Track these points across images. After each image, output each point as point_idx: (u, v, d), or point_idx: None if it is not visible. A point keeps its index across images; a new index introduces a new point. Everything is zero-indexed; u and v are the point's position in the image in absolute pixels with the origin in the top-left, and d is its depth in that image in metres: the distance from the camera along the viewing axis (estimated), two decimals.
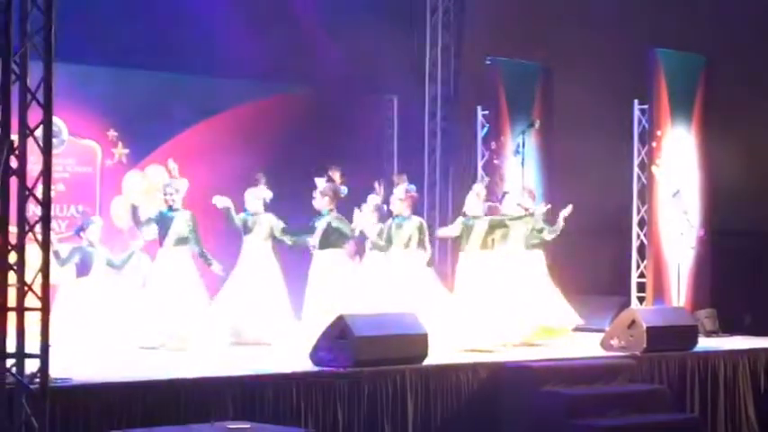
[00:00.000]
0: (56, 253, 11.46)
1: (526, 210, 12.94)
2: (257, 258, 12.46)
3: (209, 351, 11.51)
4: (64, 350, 10.02)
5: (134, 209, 12.25)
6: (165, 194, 12.17)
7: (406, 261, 12.40)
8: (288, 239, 12.48)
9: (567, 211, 13.25)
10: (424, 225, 12.73)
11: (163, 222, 12.08)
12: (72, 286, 11.87)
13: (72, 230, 12.63)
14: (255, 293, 12.31)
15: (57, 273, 11.04)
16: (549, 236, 13.28)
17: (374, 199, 12.74)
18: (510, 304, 12.32)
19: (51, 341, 7.72)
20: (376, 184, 12.80)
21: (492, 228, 12.42)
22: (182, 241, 12.07)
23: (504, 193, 13.32)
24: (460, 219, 12.44)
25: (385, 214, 12.70)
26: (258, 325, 12.27)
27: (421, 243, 12.52)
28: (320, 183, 12.30)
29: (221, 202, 12.30)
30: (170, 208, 12.13)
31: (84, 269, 11.94)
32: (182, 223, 12.06)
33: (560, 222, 13.30)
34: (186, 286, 11.96)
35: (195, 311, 11.88)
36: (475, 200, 12.39)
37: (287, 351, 11.45)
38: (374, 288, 12.26)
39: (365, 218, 12.39)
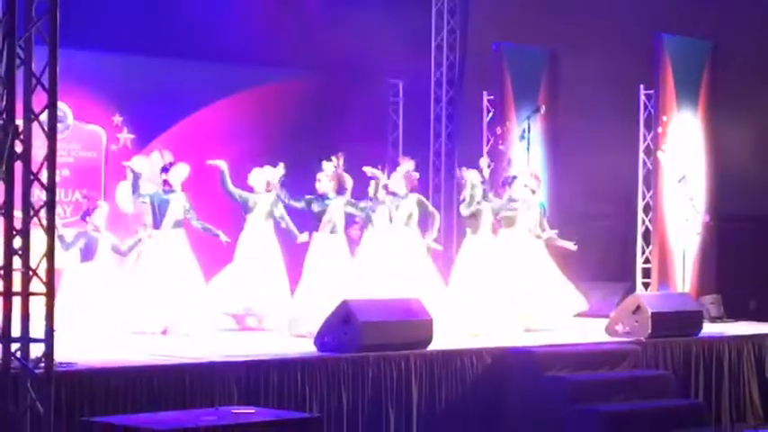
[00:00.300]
0: (61, 237, 11.46)
1: (533, 192, 13.01)
2: (258, 237, 12.44)
3: (211, 335, 11.52)
4: (68, 335, 10.02)
5: (135, 177, 12.14)
6: (165, 174, 12.13)
7: (405, 241, 12.41)
8: (282, 223, 12.49)
9: (569, 246, 13.21)
10: (423, 199, 12.77)
11: (159, 204, 12.05)
12: (76, 271, 11.87)
13: (77, 215, 12.61)
14: (256, 275, 12.27)
15: (61, 257, 11.08)
16: (544, 235, 13.22)
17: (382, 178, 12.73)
18: (511, 291, 12.33)
19: (56, 326, 7.73)
20: (379, 167, 12.76)
21: (494, 213, 12.56)
22: (178, 224, 12.06)
23: (513, 177, 13.27)
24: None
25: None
26: (258, 309, 12.29)
27: (425, 213, 12.56)
28: (328, 167, 12.26)
29: (215, 162, 12.29)
30: (167, 189, 12.09)
31: (88, 254, 11.93)
32: (178, 205, 12.04)
33: (558, 242, 13.23)
34: (183, 270, 11.95)
35: (192, 295, 11.85)
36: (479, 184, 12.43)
37: (289, 335, 11.47)
38: (372, 271, 12.25)
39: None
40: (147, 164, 13.15)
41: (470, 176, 12.46)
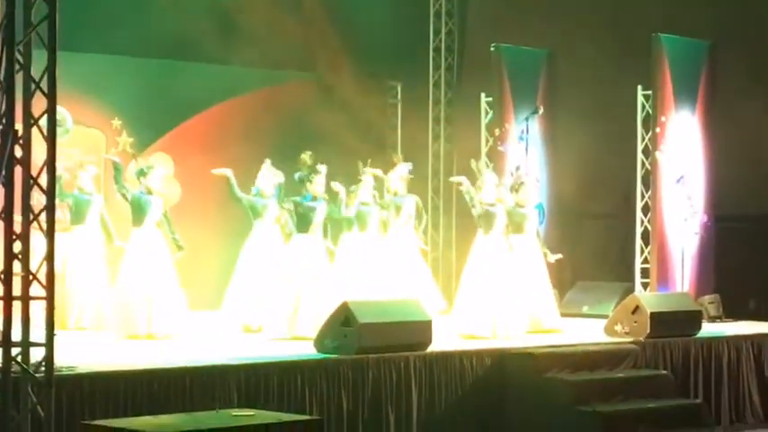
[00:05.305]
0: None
1: None
2: (267, 243, 12.38)
3: (214, 339, 11.53)
4: (69, 338, 10.04)
5: (118, 170, 11.98)
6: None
7: (404, 242, 12.48)
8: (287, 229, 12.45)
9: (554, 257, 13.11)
10: (420, 202, 13.09)
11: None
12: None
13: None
14: (265, 280, 12.25)
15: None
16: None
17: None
18: (513, 297, 12.26)
19: (56, 330, 7.75)
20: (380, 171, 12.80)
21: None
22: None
23: (520, 183, 13.14)
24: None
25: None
26: (265, 312, 12.27)
27: (419, 218, 12.86)
28: (322, 170, 12.16)
29: (220, 171, 12.23)
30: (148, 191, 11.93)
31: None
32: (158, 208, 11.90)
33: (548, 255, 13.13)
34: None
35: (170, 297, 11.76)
36: (493, 189, 12.24)
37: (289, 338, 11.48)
38: (368, 274, 12.31)
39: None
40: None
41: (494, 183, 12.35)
